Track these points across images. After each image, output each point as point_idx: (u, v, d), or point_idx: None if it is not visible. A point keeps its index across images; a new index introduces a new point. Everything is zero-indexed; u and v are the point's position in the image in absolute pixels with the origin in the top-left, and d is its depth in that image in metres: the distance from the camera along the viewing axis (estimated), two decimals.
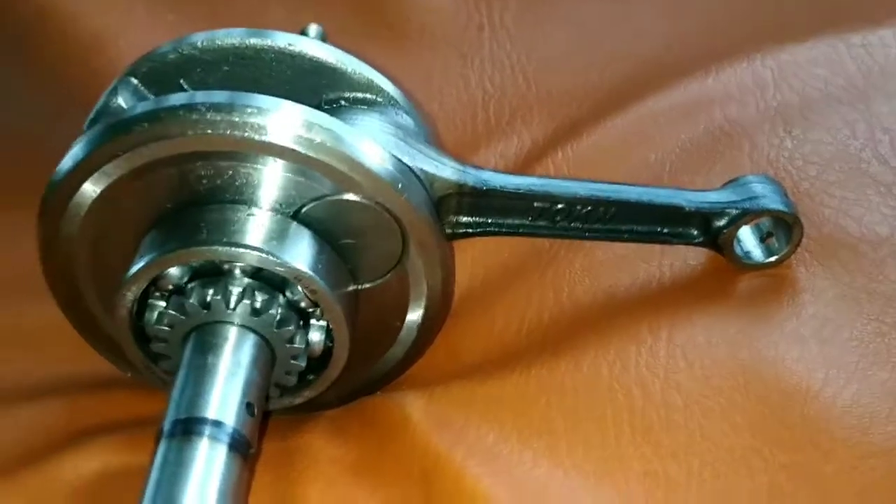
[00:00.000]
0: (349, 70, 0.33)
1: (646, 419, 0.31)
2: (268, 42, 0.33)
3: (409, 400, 0.34)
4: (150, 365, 0.32)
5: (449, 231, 0.35)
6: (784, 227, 0.35)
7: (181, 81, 0.33)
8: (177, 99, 0.29)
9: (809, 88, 0.46)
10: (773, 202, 0.35)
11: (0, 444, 0.34)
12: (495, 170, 0.36)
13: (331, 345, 0.32)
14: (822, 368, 0.31)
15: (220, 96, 0.29)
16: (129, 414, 0.36)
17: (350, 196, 0.31)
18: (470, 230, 0.35)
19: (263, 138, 0.29)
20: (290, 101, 0.30)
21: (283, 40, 0.33)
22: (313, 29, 0.43)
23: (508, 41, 0.57)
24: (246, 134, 0.29)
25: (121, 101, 0.33)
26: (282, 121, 0.29)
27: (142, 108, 0.29)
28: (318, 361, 0.32)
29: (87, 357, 0.37)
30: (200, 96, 0.29)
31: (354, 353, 0.32)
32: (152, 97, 0.33)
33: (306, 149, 0.29)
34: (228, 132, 0.29)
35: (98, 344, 0.35)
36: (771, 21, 0.53)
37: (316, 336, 0.31)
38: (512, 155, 0.49)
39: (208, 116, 0.29)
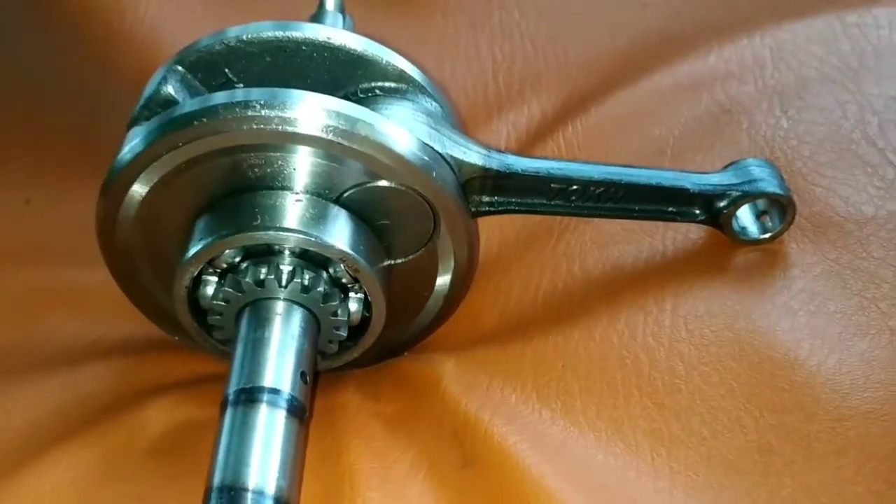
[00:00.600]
0: (383, 61, 0.36)
1: (652, 383, 0.35)
2: (308, 35, 0.36)
3: (437, 362, 0.37)
4: (203, 333, 0.35)
5: (473, 209, 0.38)
6: (779, 207, 0.39)
7: (226, 70, 0.36)
8: (231, 95, 0.32)
9: (805, 68, 0.49)
10: (770, 185, 0.38)
11: (70, 401, 0.37)
12: (516, 153, 0.38)
13: (368, 315, 0.35)
14: (808, 339, 0.35)
15: (270, 93, 0.32)
16: (186, 371, 0.39)
17: (385, 182, 0.34)
18: (493, 208, 0.38)
19: (308, 131, 0.32)
20: (330, 97, 0.32)
21: (322, 34, 0.36)
22: (330, 1, 0.46)
23: (517, 9, 0.59)
24: (293, 128, 0.32)
25: (170, 89, 0.35)
26: (322, 114, 0.31)
27: (199, 103, 0.32)
28: (356, 329, 0.36)
29: (138, 319, 0.41)
30: (255, 93, 0.32)
31: (387, 319, 0.36)
32: (199, 84, 0.36)
33: (345, 139, 0.32)
34: (280, 127, 0.31)
35: (151, 313, 0.38)
36: None
37: (355, 307, 0.35)
38: (523, 125, 0.52)
39: (262, 112, 0.31)
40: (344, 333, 0.35)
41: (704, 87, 0.49)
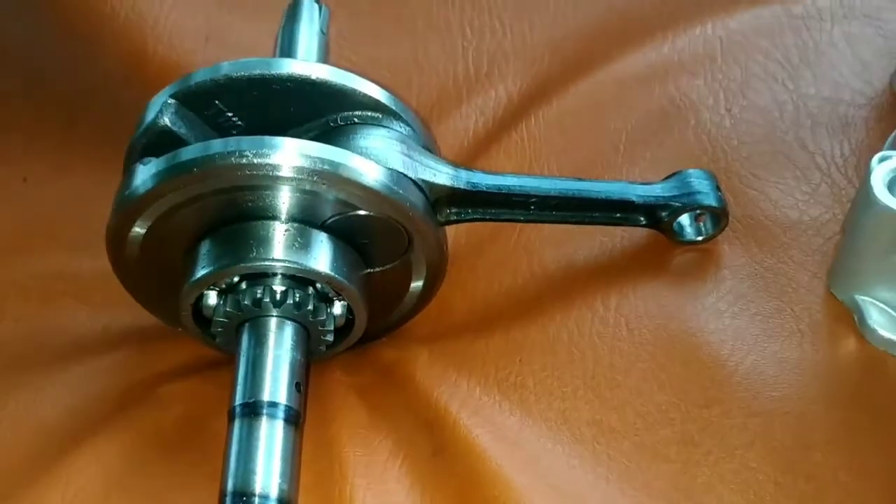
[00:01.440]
0: (360, 93, 0.39)
1: (595, 378, 0.40)
2: (293, 71, 0.39)
3: (412, 355, 0.43)
4: (205, 337, 0.40)
5: (443, 219, 0.42)
6: (714, 216, 0.43)
7: (217, 101, 0.39)
8: (226, 144, 0.35)
9: (751, 62, 0.53)
10: (708, 198, 0.42)
11: (89, 394, 0.42)
12: (481, 171, 0.42)
13: (351, 317, 0.40)
14: (731, 340, 0.41)
15: (259, 142, 0.36)
16: (194, 356, 0.44)
17: (363, 211, 0.38)
18: (460, 218, 0.43)
19: (291, 174, 0.36)
20: (309, 142, 0.36)
21: (305, 70, 0.39)
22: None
23: None
24: (278, 172, 0.36)
25: (166, 120, 0.38)
26: (303, 159, 0.35)
27: (199, 151, 0.35)
28: (341, 329, 0.41)
29: (141, 308, 0.45)
30: (245, 143, 0.35)
31: (368, 318, 0.41)
32: (193, 114, 0.39)
33: (323, 179, 0.36)
34: (267, 172, 0.35)
35: (155, 311, 0.43)
36: None
37: (339, 311, 0.40)
38: (490, 111, 0.55)
39: (253, 160, 0.35)
40: (331, 339, 0.40)
41: (658, 79, 0.52)
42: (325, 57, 0.50)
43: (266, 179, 0.36)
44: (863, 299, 0.40)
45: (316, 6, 0.50)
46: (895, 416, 0.38)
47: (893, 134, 0.45)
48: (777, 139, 0.48)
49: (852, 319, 0.40)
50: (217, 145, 0.36)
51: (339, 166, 0.36)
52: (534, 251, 0.46)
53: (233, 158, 0.35)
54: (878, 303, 0.39)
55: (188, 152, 0.36)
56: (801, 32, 0.53)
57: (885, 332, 0.39)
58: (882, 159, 0.39)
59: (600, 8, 0.58)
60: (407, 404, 0.41)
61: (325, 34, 0.50)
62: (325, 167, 0.36)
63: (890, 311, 0.39)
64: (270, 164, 0.35)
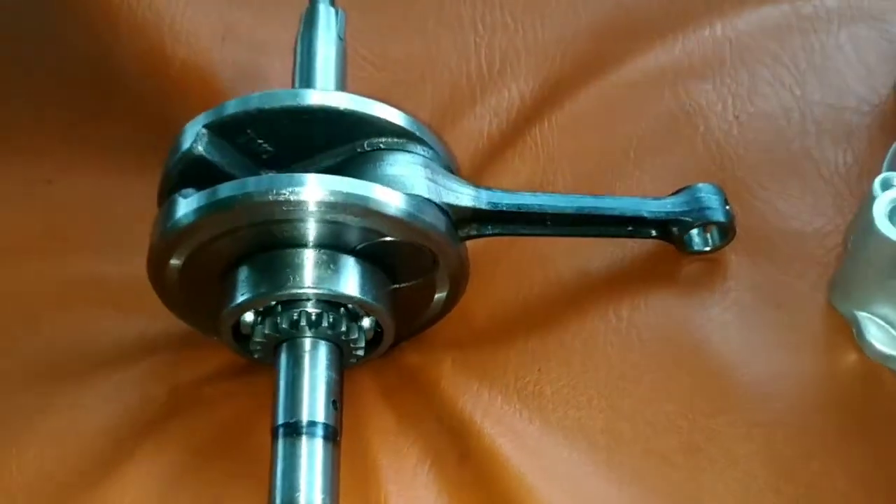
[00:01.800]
0: (385, 120, 0.41)
1: (608, 387, 0.43)
2: (321, 103, 0.40)
3: (436, 363, 0.45)
4: (243, 351, 0.43)
5: (463, 235, 0.44)
6: (721, 229, 0.45)
7: (248, 131, 0.40)
8: (259, 182, 0.38)
9: (759, 66, 0.54)
10: (716, 214, 0.44)
11: (133, 403, 0.45)
12: (501, 190, 0.44)
13: (380, 330, 0.43)
14: (735, 351, 0.43)
15: (289, 179, 0.38)
16: (230, 361, 0.46)
17: (389, 237, 0.40)
18: (481, 234, 0.44)
19: (321, 209, 0.38)
20: (337, 177, 0.38)
21: (333, 101, 0.40)
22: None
23: None
24: (309, 207, 0.38)
25: (200, 149, 0.40)
26: (331, 195, 0.37)
27: (236, 189, 0.37)
28: (370, 341, 0.43)
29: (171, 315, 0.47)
30: (278, 180, 0.38)
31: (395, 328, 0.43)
32: (225, 142, 0.40)
33: (351, 212, 0.38)
34: (299, 207, 0.37)
35: (192, 324, 0.45)
36: None
37: (368, 325, 0.42)
38: (504, 111, 0.56)
39: (286, 197, 0.37)
40: (362, 353, 0.42)
41: (667, 82, 0.53)
42: (344, 64, 0.51)
43: (299, 213, 0.38)
44: (861, 314, 0.42)
45: (332, 10, 0.51)
46: (891, 426, 0.41)
47: (893, 148, 0.47)
48: (783, 148, 0.50)
49: (851, 332, 0.43)
50: (252, 183, 0.37)
51: (367, 199, 0.38)
52: (549, 261, 0.48)
53: (269, 196, 0.37)
54: (875, 318, 0.42)
55: (225, 189, 0.37)
56: (808, 35, 0.54)
57: (882, 347, 0.42)
58: (883, 182, 0.41)
59: (609, 5, 0.59)
60: (432, 412, 0.44)
61: (342, 40, 0.51)
62: (353, 201, 0.38)
63: (887, 326, 0.42)
64: (303, 201, 0.37)
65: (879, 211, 0.38)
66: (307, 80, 0.48)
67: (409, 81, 0.58)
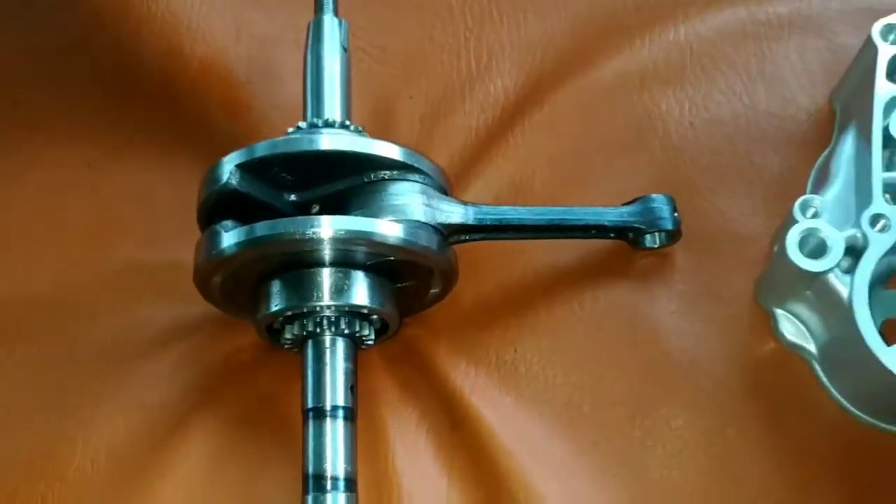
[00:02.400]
0: (388, 158, 0.48)
1: (571, 367, 0.53)
2: (332, 147, 0.47)
3: (431, 345, 0.55)
4: (273, 342, 0.52)
5: (454, 241, 0.52)
6: (669, 232, 0.54)
7: (276, 167, 0.48)
8: (288, 222, 0.45)
9: (716, 72, 0.60)
10: (666, 223, 0.53)
11: (177, 378, 0.54)
12: (486, 206, 0.52)
13: (386, 323, 0.52)
14: (678, 336, 0.53)
15: (310, 221, 0.46)
16: (259, 341, 0.55)
17: (393, 257, 0.48)
18: (468, 240, 0.53)
19: (336, 244, 0.46)
20: (348, 217, 0.47)
21: (344, 145, 0.48)
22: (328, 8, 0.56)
23: None
24: (327, 242, 0.46)
25: (234, 183, 0.47)
26: (344, 232, 0.46)
27: (269, 228, 0.46)
28: (377, 330, 0.52)
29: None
30: (299, 222, 0.46)
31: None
32: (254, 177, 0.48)
33: (360, 244, 0.47)
34: (319, 241, 0.46)
35: (232, 313, 0.54)
36: None
37: (376, 321, 0.51)
38: (490, 108, 0.62)
39: (309, 234, 0.45)
40: (372, 342, 0.51)
41: (634, 87, 0.60)
42: (347, 74, 0.57)
43: (318, 246, 0.47)
44: (778, 311, 0.51)
45: (336, 21, 0.57)
46: (795, 401, 0.51)
47: (818, 161, 0.54)
48: (730, 153, 0.57)
49: (770, 325, 0.52)
50: (281, 225, 0.46)
51: (372, 234, 0.47)
52: (525, 257, 0.56)
53: (295, 235, 0.46)
54: (789, 315, 0.51)
55: (260, 228, 0.46)
56: (761, 42, 0.60)
57: (793, 339, 0.51)
58: (802, 205, 0.49)
59: (587, 3, 0.64)
60: (430, 385, 0.54)
61: (346, 50, 0.57)
62: (361, 236, 0.47)
63: (798, 322, 0.51)
64: (321, 239, 0.46)
65: (792, 240, 0.46)
66: (317, 96, 0.55)
67: (406, 75, 0.64)
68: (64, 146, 0.65)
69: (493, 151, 0.61)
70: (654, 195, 0.54)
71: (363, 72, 0.63)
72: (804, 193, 0.53)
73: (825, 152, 0.55)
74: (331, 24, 0.57)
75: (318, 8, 0.58)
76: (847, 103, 0.55)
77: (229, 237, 0.47)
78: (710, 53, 0.60)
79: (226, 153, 0.61)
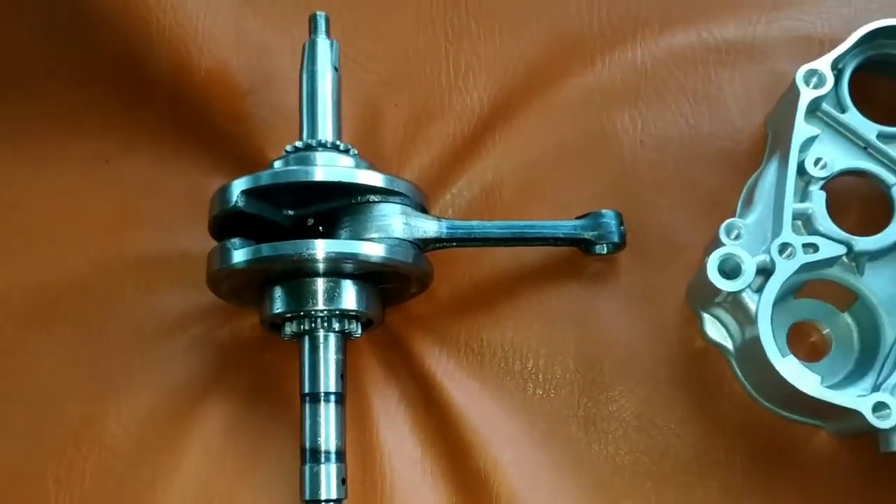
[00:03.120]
0: (374, 185, 0.56)
1: (527, 355, 0.62)
2: (324, 178, 0.56)
3: (410, 334, 0.64)
4: (275, 333, 0.61)
5: (429, 249, 0.61)
6: (616, 244, 0.62)
7: (276, 193, 0.55)
8: (287, 247, 0.54)
9: (667, 93, 0.67)
10: (613, 236, 0.61)
11: (195, 358, 0.63)
12: (457, 221, 0.60)
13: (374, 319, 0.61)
14: (622, 333, 0.62)
15: (305, 244, 0.54)
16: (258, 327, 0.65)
17: (376, 269, 0.57)
18: (440, 248, 0.61)
19: (327, 262, 0.55)
20: (337, 240, 0.55)
21: (334, 175, 0.56)
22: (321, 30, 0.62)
23: None
24: (320, 262, 0.55)
25: (241, 205, 0.55)
26: (334, 254, 0.54)
27: (272, 249, 0.54)
28: (364, 323, 0.61)
29: None
30: (296, 245, 0.54)
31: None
32: (258, 200, 0.56)
33: (347, 262, 0.56)
34: (314, 261, 0.54)
35: (241, 306, 0.63)
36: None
37: (363, 319, 0.60)
38: (466, 118, 0.69)
39: (304, 255, 0.54)
40: (359, 336, 0.60)
41: (594, 105, 0.67)
42: (338, 91, 0.64)
43: (314, 263, 0.55)
44: (703, 313, 0.60)
45: (328, 42, 0.64)
46: (715, 392, 0.61)
47: (748, 182, 0.62)
48: (673, 170, 0.65)
49: (697, 325, 0.61)
50: (283, 247, 0.54)
51: (357, 255, 0.56)
52: (493, 260, 0.65)
53: (294, 255, 0.54)
54: (712, 317, 0.60)
55: (266, 249, 0.55)
56: (708, 66, 0.67)
57: (715, 338, 0.61)
58: (727, 228, 0.57)
59: (556, 20, 0.70)
60: (409, 368, 0.64)
61: (337, 70, 0.64)
62: (348, 256, 0.55)
63: (719, 324, 0.60)
64: (316, 258, 0.55)
65: (712, 264, 0.55)
66: (312, 116, 0.62)
67: (392, 85, 0.71)
68: (85, 142, 0.72)
69: (468, 157, 0.68)
70: (604, 211, 0.62)
71: (354, 81, 0.70)
72: (736, 209, 0.62)
73: (756, 173, 0.63)
74: (324, 46, 0.64)
75: (313, 30, 0.64)
76: (776, 131, 0.63)
77: (238, 255, 0.55)
78: (663, 76, 0.67)
79: (228, 154, 0.70)
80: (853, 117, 0.59)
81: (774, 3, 0.68)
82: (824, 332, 0.60)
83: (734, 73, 0.67)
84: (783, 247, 0.55)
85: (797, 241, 0.55)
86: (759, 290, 0.55)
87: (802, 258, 0.55)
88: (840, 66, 0.61)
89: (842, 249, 0.55)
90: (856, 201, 0.61)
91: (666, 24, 0.69)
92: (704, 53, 0.68)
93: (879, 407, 0.52)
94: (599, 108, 0.67)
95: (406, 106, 0.71)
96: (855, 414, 0.52)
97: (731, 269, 0.56)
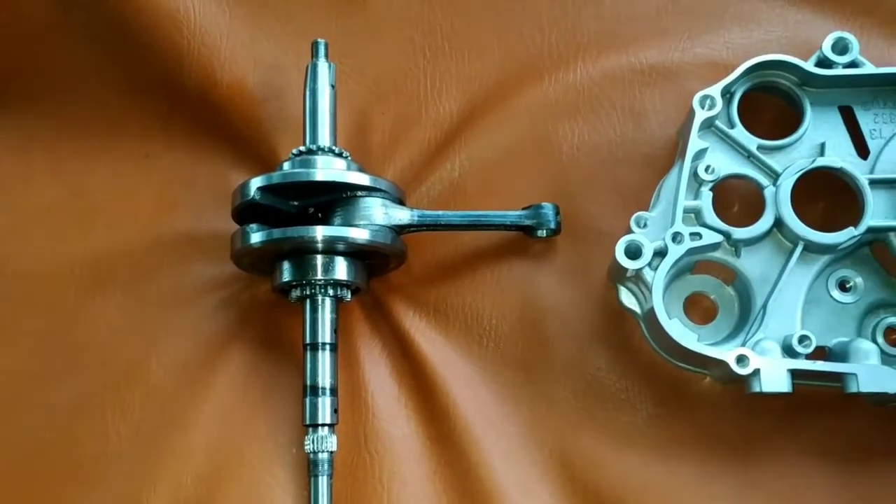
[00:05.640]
0: (361, 184, 0.72)
1: (483, 320, 0.79)
2: (323, 178, 0.72)
3: (390, 299, 0.81)
4: (283, 297, 0.77)
5: (404, 233, 0.77)
6: (553, 230, 0.78)
7: (284, 187, 0.71)
8: (292, 231, 0.70)
9: (600, 108, 0.82)
10: (550, 224, 0.77)
11: (218, 319, 0.80)
12: (427, 210, 0.76)
13: (359, 287, 0.77)
14: (556, 301, 0.78)
15: (309, 229, 0.70)
16: (269, 291, 0.81)
17: (364, 248, 0.73)
18: (413, 231, 0.77)
19: (325, 243, 0.71)
20: (331, 226, 0.71)
21: (331, 176, 0.71)
22: (321, 54, 0.78)
23: (439, 8, 0.88)
24: (319, 242, 0.71)
25: (257, 198, 0.72)
26: (329, 238, 0.71)
27: (281, 233, 0.71)
28: (353, 290, 0.78)
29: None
30: (300, 229, 0.70)
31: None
32: (273, 195, 0.72)
33: (339, 244, 0.72)
34: (314, 242, 0.70)
35: (255, 273, 0.79)
36: (623, 27, 0.84)
37: (352, 286, 0.76)
38: (440, 124, 0.85)
39: (306, 236, 0.70)
40: (349, 299, 0.77)
41: (541, 117, 0.83)
42: (335, 106, 0.80)
43: (314, 243, 0.72)
44: (620, 286, 0.76)
45: (327, 65, 0.79)
46: (627, 348, 0.78)
47: (659, 184, 0.77)
48: (602, 171, 0.80)
49: (615, 295, 0.77)
50: (290, 231, 0.71)
51: (347, 237, 0.72)
52: (457, 240, 0.81)
53: (299, 237, 0.71)
54: (625, 288, 0.76)
55: (277, 233, 0.71)
56: (634, 86, 0.82)
57: (628, 304, 0.77)
58: (637, 219, 0.73)
59: (513, 45, 0.86)
60: (389, 326, 0.81)
61: (333, 88, 0.80)
62: (340, 239, 0.72)
63: (631, 294, 0.76)
64: (316, 240, 0.71)
65: (620, 248, 0.71)
66: (313, 126, 0.78)
67: (379, 95, 0.87)
68: (128, 142, 0.88)
69: (439, 158, 0.84)
70: (544, 203, 0.79)
71: (347, 91, 0.86)
72: (650, 204, 0.78)
73: (667, 175, 0.78)
74: (323, 68, 0.80)
75: (314, 54, 0.81)
76: (682, 141, 0.78)
77: (255, 237, 0.72)
78: (597, 93, 0.83)
79: (246, 152, 0.86)
80: (739, 132, 0.76)
81: (689, 34, 0.84)
82: (713, 300, 0.77)
83: (655, 92, 0.83)
84: (675, 235, 0.71)
85: (686, 230, 0.72)
86: (656, 269, 0.71)
87: (689, 244, 0.71)
88: (732, 90, 0.76)
89: (720, 238, 0.72)
90: (738, 199, 0.77)
91: (602, 51, 0.84)
92: (632, 75, 0.83)
93: (741, 358, 0.69)
94: (545, 119, 0.83)
95: (391, 114, 0.87)
96: (724, 363, 0.69)
97: (634, 251, 0.72)
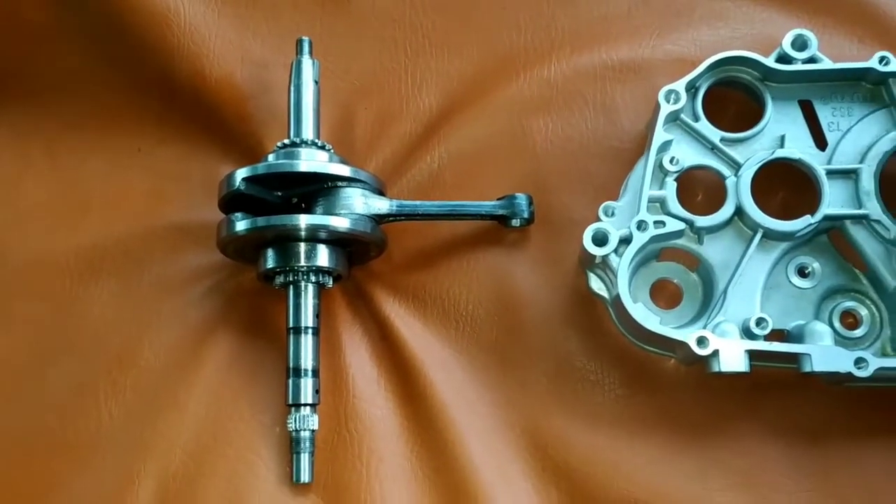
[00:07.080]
0: (342, 175, 0.76)
1: (460, 307, 0.82)
2: (306, 169, 0.75)
3: (371, 286, 0.84)
4: (267, 283, 0.80)
5: (383, 222, 0.80)
6: (526, 220, 0.81)
7: (271, 182, 0.75)
8: (276, 219, 0.74)
9: (573, 103, 0.86)
10: (523, 213, 0.81)
11: (206, 304, 0.83)
12: (405, 200, 0.79)
13: (341, 275, 0.80)
14: (529, 287, 0.82)
15: (294, 217, 0.74)
16: (253, 280, 0.84)
17: (346, 236, 0.76)
18: (393, 220, 0.81)
19: (309, 231, 0.75)
20: (315, 215, 0.75)
21: (314, 167, 0.75)
22: (306, 53, 0.82)
23: (421, 7, 0.91)
24: (303, 230, 0.74)
25: (242, 189, 0.75)
26: (313, 225, 0.74)
27: (265, 221, 0.74)
28: (335, 277, 0.81)
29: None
30: (285, 217, 0.73)
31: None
32: (258, 185, 0.75)
33: (322, 232, 0.76)
34: (298, 230, 0.74)
35: (240, 262, 0.82)
36: (596, 26, 0.87)
37: (334, 273, 0.80)
38: (420, 118, 0.88)
39: (291, 224, 0.73)
40: (331, 286, 0.80)
41: (516, 112, 0.86)
42: (317, 101, 0.84)
43: (297, 231, 0.75)
44: (589, 272, 0.80)
45: (311, 61, 0.83)
46: (596, 331, 0.81)
47: (627, 177, 0.80)
48: (574, 164, 0.84)
49: (585, 280, 0.81)
50: (273, 219, 0.74)
51: (328, 226, 0.76)
52: (435, 229, 0.84)
53: (282, 226, 0.75)
54: (594, 275, 0.80)
55: (261, 221, 0.75)
56: (605, 82, 0.86)
57: (597, 289, 0.80)
58: (605, 209, 0.77)
59: (491, 43, 0.89)
60: (369, 311, 0.84)
61: (317, 83, 0.83)
62: (322, 227, 0.76)
63: (600, 280, 0.79)
64: (299, 228, 0.75)
65: (587, 235, 0.74)
66: (297, 120, 0.82)
67: (362, 91, 0.90)
68: (121, 134, 0.92)
69: (419, 150, 0.88)
70: (518, 194, 0.82)
71: (332, 87, 0.90)
72: (618, 195, 0.81)
73: (634, 166, 0.82)
74: (307, 64, 0.84)
75: (299, 51, 0.84)
76: (649, 135, 0.82)
77: (240, 225, 0.76)
78: (570, 89, 0.86)
79: (235, 145, 0.90)
80: (703, 125, 0.79)
81: (659, 32, 0.88)
82: (678, 285, 0.80)
83: (625, 88, 0.86)
84: (639, 223, 0.75)
85: (650, 218, 0.75)
86: (622, 255, 0.75)
87: (653, 231, 0.75)
88: (696, 85, 0.80)
89: (682, 225, 0.75)
90: (702, 189, 0.81)
91: (575, 48, 0.88)
92: (603, 71, 0.87)
93: (701, 340, 0.72)
94: (520, 114, 0.87)
95: (373, 109, 0.90)
96: (685, 345, 0.72)
97: (601, 239, 0.75)
